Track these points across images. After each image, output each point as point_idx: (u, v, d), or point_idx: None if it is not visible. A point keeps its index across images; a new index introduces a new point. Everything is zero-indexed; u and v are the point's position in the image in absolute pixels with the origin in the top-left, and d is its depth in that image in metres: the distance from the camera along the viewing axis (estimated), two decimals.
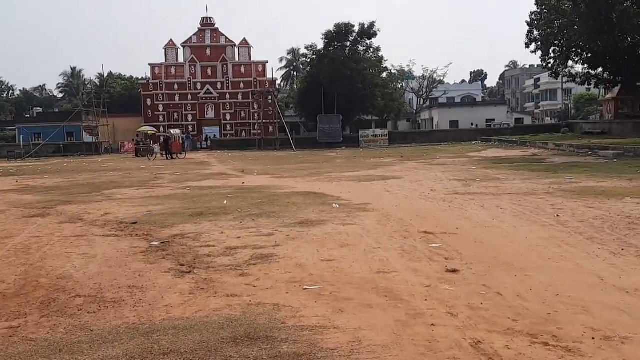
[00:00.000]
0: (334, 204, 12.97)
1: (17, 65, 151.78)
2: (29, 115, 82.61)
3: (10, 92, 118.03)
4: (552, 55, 46.73)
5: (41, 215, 13.01)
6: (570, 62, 46.97)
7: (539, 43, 46.03)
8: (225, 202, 14.17)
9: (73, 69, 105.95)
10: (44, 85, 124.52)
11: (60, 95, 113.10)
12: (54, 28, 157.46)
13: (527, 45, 46.31)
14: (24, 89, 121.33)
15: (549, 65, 47.58)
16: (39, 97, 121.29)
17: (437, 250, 8.11)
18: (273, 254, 8.13)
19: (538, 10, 45.28)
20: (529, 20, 46.00)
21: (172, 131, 44.76)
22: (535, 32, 45.76)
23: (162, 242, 9.29)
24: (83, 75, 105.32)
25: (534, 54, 47.18)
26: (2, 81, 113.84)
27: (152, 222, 11.41)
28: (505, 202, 12.53)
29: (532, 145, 37.94)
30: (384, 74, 65.82)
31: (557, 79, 57.65)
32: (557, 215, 10.44)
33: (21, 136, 58.68)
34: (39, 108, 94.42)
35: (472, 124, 67.18)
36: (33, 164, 39.66)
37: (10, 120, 75.81)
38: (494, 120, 70.15)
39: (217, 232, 10.02)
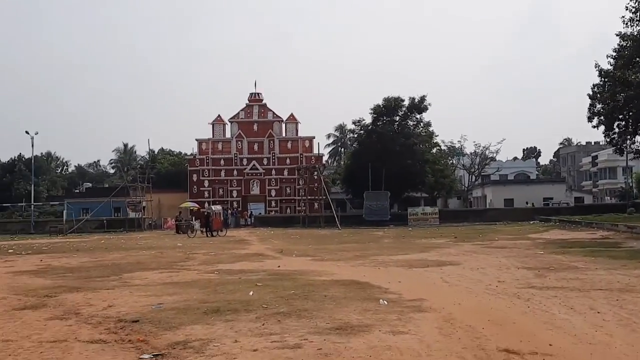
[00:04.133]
0: (381, 300, 10.59)
1: (73, 141, 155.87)
2: (78, 191, 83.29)
3: (65, 167, 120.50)
4: (616, 129, 44.02)
5: (35, 307, 11.00)
6: (638, 137, 44.05)
7: (602, 117, 43.39)
8: (251, 293, 11.93)
9: (125, 145, 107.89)
10: (98, 161, 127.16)
11: (112, 171, 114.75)
12: (110, 104, 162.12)
13: (590, 119, 43.77)
14: (78, 164, 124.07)
15: (613, 141, 44.74)
16: (92, 173, 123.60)
17: None
18: None
19: (601, 83, 42.87)
20: (591, 93, 43.55)
21: (213, 207, 43.23)
22: (598, 106, 43.22)
23: (155, 356, 7.07)
24: (135, 151, 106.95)
25: (596, 128, 44.43)
26: (57, 157, 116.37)
27: (156, 321, 9.24)
28: (600, 303, 9.92)
29: (599, 226, 34.82)
30: (435, 150, 63.68)
31: (621, 156, 54.47)
32: None
33: (64, 211, 58.32)
34: (88, 183, 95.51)
35: (527, 203, 63.96)
36: (72, 241, 38.46)
37: (60, 195, 76.23)
38: (551, 199, 66.78)
39: (230, 341, 7.75)
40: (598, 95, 43.54)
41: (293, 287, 12.73)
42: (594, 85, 43.87)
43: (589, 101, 44.02)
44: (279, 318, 9.19)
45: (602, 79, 42.91)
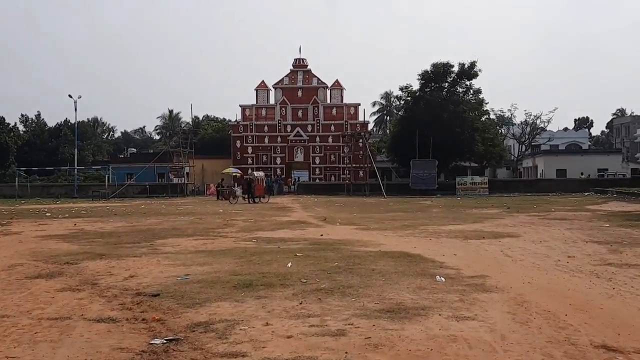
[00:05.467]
0: (437, 276, 9.20)
1: (120, 108, 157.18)
2: (122, 156, 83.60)
3: (111, 133, 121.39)
4: None
5: (50, 275, 9.97)
6: None
7: None
8: (289, 264, 10.68)
9: (170, 112, 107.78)
10: (144, 127, 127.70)
11: (157, 137, 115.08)
12: (156, 71, 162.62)
13: None
14: (124, 130, 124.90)
15: None
16: (138, 139, 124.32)
17: None
18: None
19: None
20: None
21: (256, 173, 42.14)
22: None
23: (169, 341, 5.86)
24: (180, 118, 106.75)
25: None
26: (103, 123, 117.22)
27: (179, 295, 8.08)
28: None
29: None
30: (484, 118, 61.15)
31: None
32: None
33: (106, 176, 58.25)
34: (133, 149, 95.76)
35: (581, 174, 61.16)
36: (112, 205, 38.02)
37: (105, 160, 76.57)
38: (606, 170, 63.70)
39: (260, 323, 6.50)
40: None
41: (336, 258, 11.45)
42: None
43: None
44: (319, 295, 7.90)
45: None
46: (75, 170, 59.00)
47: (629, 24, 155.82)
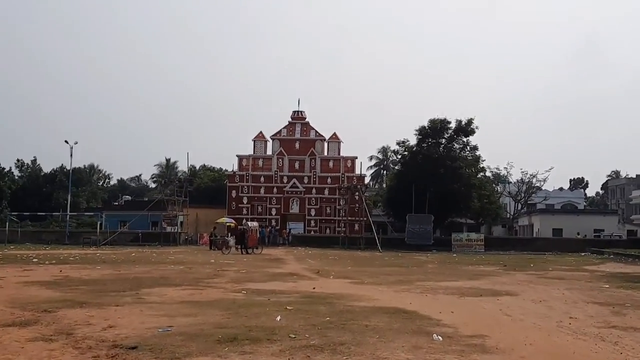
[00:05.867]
0: (434, 335, 8.69)
1: (117, 155, 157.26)
2: (117, 203, 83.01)
3: (107, 180, 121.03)
4: None
5: (25, 324, 9.43)
6: None
7: None
8: (278, 318, 10.16)
9: (168, 160, 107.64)
10: (140, 175, 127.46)
11: (153, 185, 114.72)
12: (153, 120, 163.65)
13: None
14: (120, 178, 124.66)
15: None
16: (133, 187, 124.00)
17: None
18: None
19: None
20: None
21: (249, 223, 41.55)
22: None
23: None
24: (177, 167, 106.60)
25: None
26: (99, 170, 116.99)
27: (158, 349, 7.57)
28: None
29: None
30: (480, 175, 61.09)
31: None
32: None
33: (98, 222, 57.59)
34: (128, 196, 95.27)
35: (577, 234, 60.76)
36: (103, 252, 37.32)
37: (99, 207, 75.92)
38: (602, 230, 63.35)
39: None
40: None
41: (328, 313, 10.93)
42: None
43: None
44: (308, 353, 7.40)
45: None
46: (68, 216, 58.33)
47: (624, 87, 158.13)
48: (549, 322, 10.54)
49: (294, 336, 8.45)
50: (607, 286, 18.28)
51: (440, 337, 8.53)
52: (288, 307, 11.56)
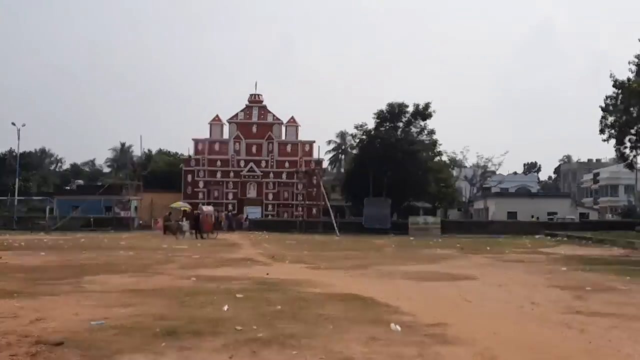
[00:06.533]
0: (392, 324, 8.10)
1: (70, 139, 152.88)
2: (69, 188, 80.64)
3: (59, 165, 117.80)
4: (628, 144, 41.54)
5: None
6: None
7: (613, 130, 40.84)
8: (226, 307, 9.45)
9: (122, 145, 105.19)
10: (94, 159, 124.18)
11: (108, 170, 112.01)
12: (108, 104, 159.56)
13: (601, 132, 41.23)
14: (74, 163, 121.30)
15: (624, 155, 42.30)
16: (87, 171, 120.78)
17: None
18: None
19: (614, 94, 40.39)
20: (603, 105, 41.12)
21: (204, 208, 40.52)
22: (610, 118, 40.72)
23: None
24: (132, 151, 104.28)
25: (606, 142, 41.84)
26: (51, 154, 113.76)
27: (87, 345, 6.79)
28: None
29: (613, 243, 32.37)
30: (438, 158, 61.09)
31: (632, 171, 52.13)
32: None
33: (47, 207, 55.68)
34: (80, 181, 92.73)
35: (532, 216, 61.47)
36: (51, 238, 35.87)
37: (51, 192, 73.51)
38: (556, 213, 64.24)
39: None
40: (610, 108, 41.09)
41: (280, 301, 10.25)
42: (607, 97, 41.38)
43: (600, 113, 41.58)
44: (254, 348, 6.71)
45: (616, 91, 40.44)
46: (16, 200, 56.22)
47: (574, 73, 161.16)
48: (510, 308, 10.08)
49: (240, 328, 7.75)
50: (565, 269, 18.08)
51: (398, 327, 7.95)
52: (238, 295, 10.86)
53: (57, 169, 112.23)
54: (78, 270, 15.72)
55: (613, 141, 41.78)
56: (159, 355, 6.36)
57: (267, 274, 15.41)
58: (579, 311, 9.78)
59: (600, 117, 41.66)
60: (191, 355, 6.35)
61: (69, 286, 12.39)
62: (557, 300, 11.14)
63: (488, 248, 29.47)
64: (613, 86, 40.42)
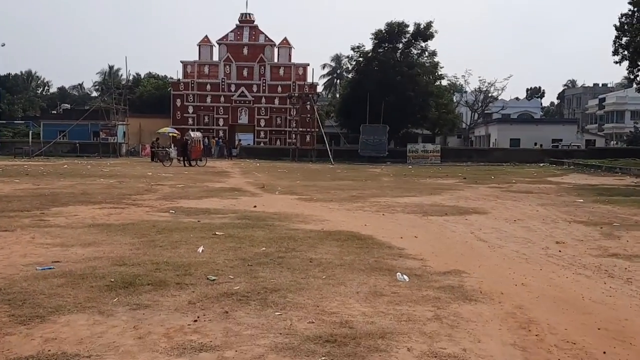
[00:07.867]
0: (398, 273, 6.69)
1: (57, 62, 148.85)
2: (55, 112, 78.41)
3: (46, 88, 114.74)
4: None
5: None
6: None
7: (627, 51, 38.71)
8: (201, 249, 8.02)
9: (111, 67, 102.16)
10: (82, 83, 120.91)
11: (96, 94, 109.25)
12: (96, 25, 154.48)
13: (614, 53, 39.07)
14: (62, 86, 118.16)
15: (637, 78, 40.39)
16: (75, 95, 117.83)
17: None
18: None
19: (630, 12, 38.03)
20: (618, 24, 38.81)
21: (192, 134, 38.72)
22: (625, 39, 38.51)
23: None
24: (121, 74, 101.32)
25: (618, 64, 39.73)
26: (38, 77, 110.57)
27: (21, 298, 5.39)
28: None
29: (624, 172, 31.06)
30: (439, 82, 58.85)
31: None
32: None
33: (30, 132, 53.81)
34: (67, 105, 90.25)
35: (535, 144, 59.89)
36: (32, 164, 34.35)
37: (37, 116, 71.36)
38: (560, 140, 62.45)
39: None
40: (625, 27, 38.78)
41: (266, 240, 8.83)
42: (622, 15, 39.03)
43: (614, 33, 39.34)
44: (227, 306, 5.29)
45: (632, 9, 38.06)
46: None
47: None
48: (533, 249, 8.69)
49: (214, 278, 6.33)
50: (582, 200, 16.68)
51: (406, 277, 6.54)
52: (217, 233, 9.43)
53: (44, 93, 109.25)
54: (47, 201, 14.25)
55: (626, 63, 39.82)
56: (104, 317, 4.95)
57: (255, 206, 13.97)
58: (615, 253, 8.41)
59: (614, 36, 39.44)
60: (146, 317, 4.94)
61: (29, 219, 10.95)
62: (585, 239, 9.74)
63: (492, 177, 28.14)
64: (629, 3, 38.09)
